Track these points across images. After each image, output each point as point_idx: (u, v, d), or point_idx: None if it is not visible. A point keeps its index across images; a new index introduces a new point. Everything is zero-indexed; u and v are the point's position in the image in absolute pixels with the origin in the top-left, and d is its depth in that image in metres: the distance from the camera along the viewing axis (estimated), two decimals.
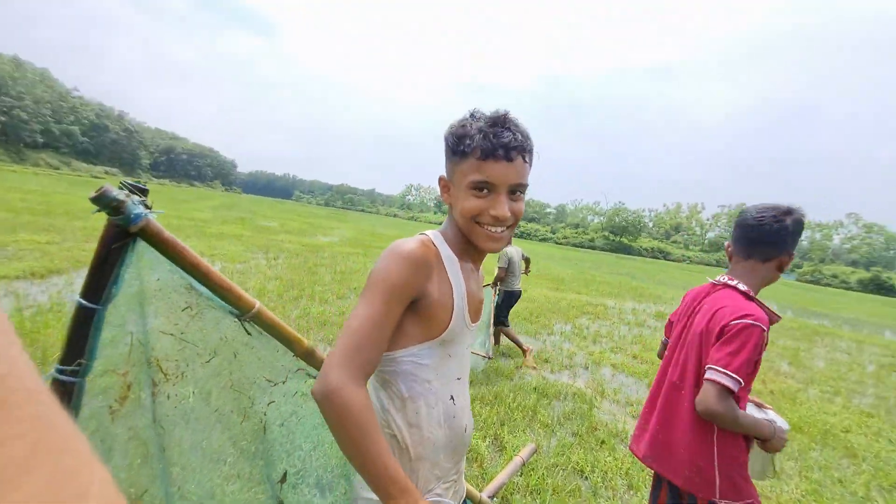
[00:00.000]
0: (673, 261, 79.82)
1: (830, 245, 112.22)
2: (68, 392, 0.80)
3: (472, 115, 0.98)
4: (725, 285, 1.56)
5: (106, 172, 69.46)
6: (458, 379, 1.08)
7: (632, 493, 2.97)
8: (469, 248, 1.06)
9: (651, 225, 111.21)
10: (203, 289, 1.00)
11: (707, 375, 1.40)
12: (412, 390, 0.99)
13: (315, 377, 1.17)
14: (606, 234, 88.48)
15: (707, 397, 1.37)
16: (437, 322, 0.98)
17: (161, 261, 0.90)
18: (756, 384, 5.88)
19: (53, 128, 64.73)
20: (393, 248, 0.95)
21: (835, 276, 79.52)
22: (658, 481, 1.69)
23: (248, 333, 1.11)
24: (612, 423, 4.04)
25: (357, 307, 0.89)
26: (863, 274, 78.18)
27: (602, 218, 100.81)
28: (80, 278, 6.49)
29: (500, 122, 0.94)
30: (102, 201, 0.80)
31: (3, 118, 54.28)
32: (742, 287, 1.51)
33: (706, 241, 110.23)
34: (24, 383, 0.21)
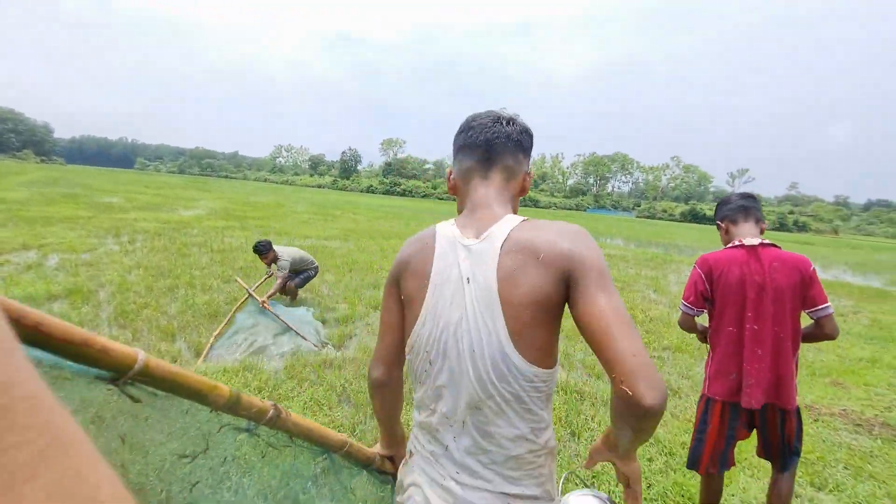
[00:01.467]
0: (543, 207, 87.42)
1: (660, 184, 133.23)
2: None
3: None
4: (770, 244, 1.97)
5: None
6: None
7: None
8: None
9: None
10: (39, 354, 0.60)
11: (825, 311, 1.90)
12: None
13: (248, 430, 0.91)
14: None
15: (834, 325, 1.92)
16: None
17: None
18: (635, 313, 6.75)
19: None
20: (584, 230, 0.89)
21: (664, 211, 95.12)
22: (760, 422, 2.04)
23: (136, 401, 0.72)
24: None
25: (608, 297, 0.80)
26: (683, 207, 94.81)
27: None
28: None
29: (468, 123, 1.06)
30: None
31: None
32: (773, 243, 1.99)
33: (568, 188, 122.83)
34: (29, 390, 0.21)
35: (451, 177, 1.09)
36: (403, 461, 1.11)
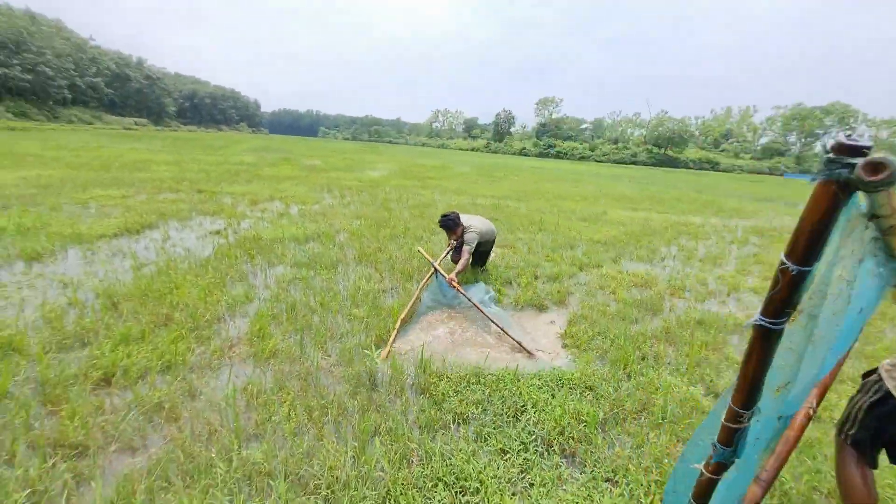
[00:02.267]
0: (723, 171, 75.02)
1: None
2: (769, 334, 0.83)
3: None
4: None
5: (136, 123, 69.53)
6: None
7: None
8: None
9: (698, 134, 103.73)
10: None
11: None
12: None
13: None
14: (649, 147, 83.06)
15: None
16: None
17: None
18: None
19: (79, 82, 64.09)
20: None
21: None
22: None
23: None
24: None
25: None
26: None
27: (643, 130, 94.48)
28: (173, 230, 6.29)
29: None
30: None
31: (29, 76, 53.89)
32: None
33: (759, 148, 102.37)
34: None
35: None
36: None
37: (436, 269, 4.21)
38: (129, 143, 28.00)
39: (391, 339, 3.31)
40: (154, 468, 1.98)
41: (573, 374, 2.97)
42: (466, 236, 4.62)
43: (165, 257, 5.02)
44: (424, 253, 4.54)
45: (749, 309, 4.76)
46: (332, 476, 1.99)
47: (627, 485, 2.06)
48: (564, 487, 2.04)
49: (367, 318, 3.71)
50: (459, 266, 4.38)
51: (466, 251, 4.51)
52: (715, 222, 11.19)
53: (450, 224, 4.66)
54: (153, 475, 1.94)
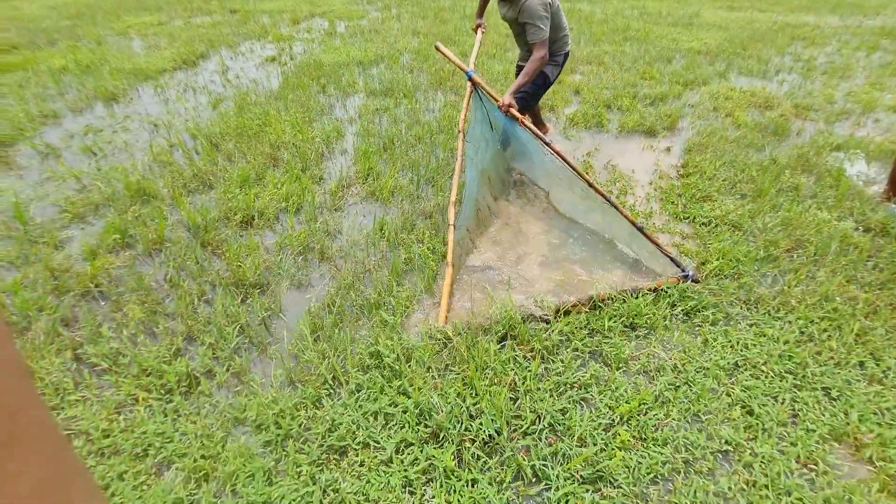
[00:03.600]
0: None
1: None
2: None
3: None
4: None
5: None
6: None
7: None
8: None
9: None
10: None
11: None
12: None
13: None
14: None
15: None
16: None
17: None
18: None
19: None
20: None
21: None
22: None
23: None
24: None
25: None
26: None
27: None
28: (227, 60, 5.83)
29: None
30: None
31: None
32: None
33: None
34: (36, 419, 0.21)
35: None
36: None
37: (474, 85, 2.53)
38: None
39: (445, 297, 2.06)
40: (330, 304, 2.14)
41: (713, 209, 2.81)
42: (527, 5, 2.54)
43: (234, 90, 4.73)
44: (447, 52, 2.63)
45: (890, 132, 4.17)
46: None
47: (797, 320, 2.07)
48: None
49: None
50: (525, 74, 2.58)
51: (538, 38, 2.54)
52: (833, 22, 9.25)
53: None
54: (332, 311, 2.10)
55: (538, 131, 2.51)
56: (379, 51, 6.04)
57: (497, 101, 2.58)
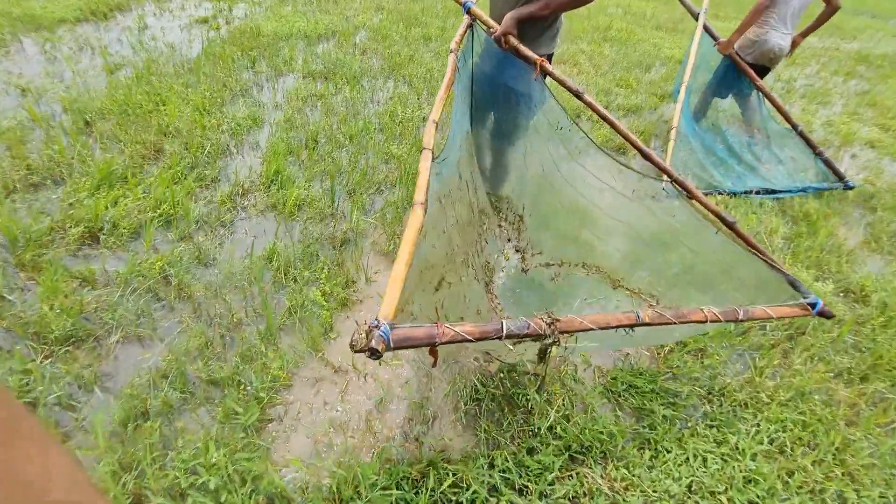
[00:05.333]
0: None
1: None
2: None
3: None
4: None
5: None
6: None
7: None
8: None
9: None
10: None
11: None
12: None
13: None
14: None
15: None
16: None
17: None
18: None
19: None
20: None
21: None
22: None
23: None
24: None
25: None
26: None
27: None
28: (150, 16, 4.98)
29: None
30: None
31: None
32: None
33: None
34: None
35: None
36: None
37: (473, 19, 1.93)
38: None
39: (401, 267, 1.06)
40: (170, 369, 1.57)
41: None
42: None
43: (145, 55, 3.95)
44: None
45: (866, 171, 3.89)
46: None
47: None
48: None
49: (407, 159, 2.94)
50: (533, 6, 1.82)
51: None
52: (813, 42, 9.08)
53: None
54: (168, 382, 1.53)
55: (567, 79, 1.74)
56: (332, 24, 5.32)
57: (488, 26, 1.87)
